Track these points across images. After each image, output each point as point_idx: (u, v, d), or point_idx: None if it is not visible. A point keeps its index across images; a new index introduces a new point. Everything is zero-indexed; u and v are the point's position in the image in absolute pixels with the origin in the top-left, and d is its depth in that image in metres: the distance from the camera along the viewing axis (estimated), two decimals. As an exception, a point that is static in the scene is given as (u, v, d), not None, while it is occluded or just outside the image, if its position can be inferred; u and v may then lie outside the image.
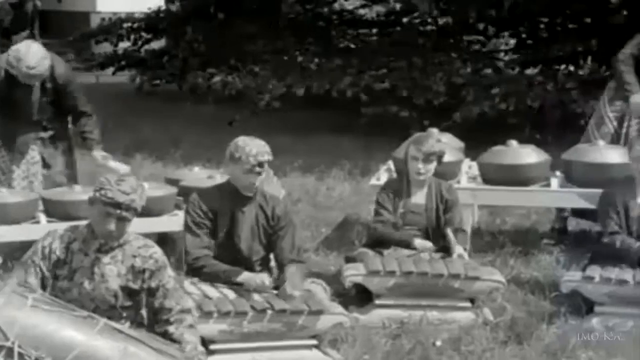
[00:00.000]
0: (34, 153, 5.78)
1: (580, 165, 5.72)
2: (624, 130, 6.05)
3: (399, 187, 5.25)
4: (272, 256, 4.73)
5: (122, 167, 5.76)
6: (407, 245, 5.06)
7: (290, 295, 4.35)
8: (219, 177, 5.37)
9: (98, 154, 5.82)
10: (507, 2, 9.60)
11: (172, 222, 5.41)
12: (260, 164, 4.48)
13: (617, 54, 6.13)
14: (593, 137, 6.08)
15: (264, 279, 4.47)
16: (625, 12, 9.89)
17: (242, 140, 4.55)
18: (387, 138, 8.29)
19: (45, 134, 5.80)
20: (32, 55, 5.42)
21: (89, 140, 5.82)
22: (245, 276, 4.49)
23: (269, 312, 4.26)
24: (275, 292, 4.48)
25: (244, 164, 4.47)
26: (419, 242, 5.05)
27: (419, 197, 5.20)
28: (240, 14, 11.82)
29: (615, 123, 6.13)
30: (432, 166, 5.17)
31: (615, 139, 5.99)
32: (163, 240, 5.26)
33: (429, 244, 5.07)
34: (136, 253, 3.82)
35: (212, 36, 12.32)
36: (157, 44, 13.88)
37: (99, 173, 5.73)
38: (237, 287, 4.50)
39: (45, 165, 5.81)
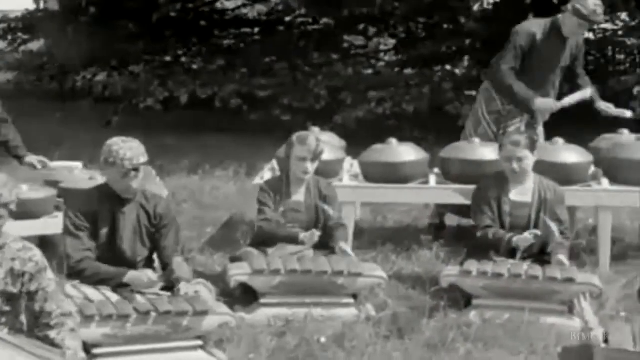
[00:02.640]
0: None
1: (456, 162, 5.88)
2: (501, 132, 6.23)
3: (279, 185, 5.29)
4: (155, 257, 4.71)
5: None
6: (294, 240, 5.10)
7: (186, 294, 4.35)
8: (100, 179, 5.30)
9: (32, 159, 5.72)
10: (379, 0, 9.82)
11: (52, 224, 5.30)
12: (136, 168, 4.44)
13: (499, 66, 6.17)
14: (470, 137, 6.24)
15: (150, 274, 4.42)
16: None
17: (116, 144, 4.47)
18: (271, 138, 8.33)
19: None
20: None
21: (14, 147, 5.74)
22: (131, 275, 4.43)
23: (153, 314, 4.23)
24: (162, 293, 4.46)
25: (119, 169, 4.43)
26: (304, 235, 5.10)
27: (299, 195, 5.26)
28: (120, 13, 11.65)
29: (493, 125, 6.32)
30: (316, 164, 5.25)
31: (493, 140, 6.14)
32: (43, 243, 5.15)
33: (315, 233, 5.08)
34: (15, 256, 3.73)
35: (92, 36, 12.11)
36: (36, 45, 13.54)
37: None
38: (120, 289, 4.45)
39: None
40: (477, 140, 5.99)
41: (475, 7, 9.13)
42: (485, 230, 5.12)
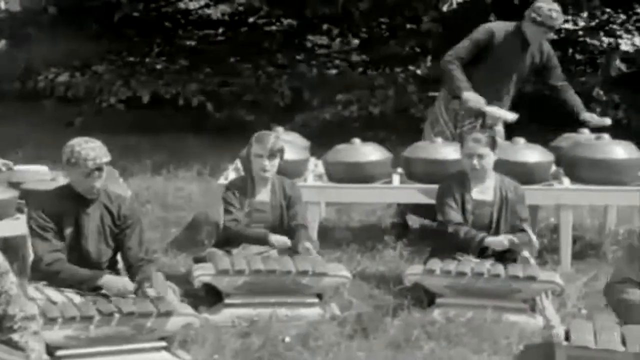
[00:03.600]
0: None
1: (419, 161, 5.92)
2: (458, 131, 6.26)
3: (244, 185, 5.29)
4: (119, 257, 4.69)
5: None
6: (263, 241, 5.10)
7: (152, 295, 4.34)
8: (63, 180, 5.26)
9: None
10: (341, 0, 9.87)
11: (14, 226, 5.25)
12: (99, 168, 4.43)
13: (445, 56, 6.25)
14: (429, 137, 6.28)
15: (126, 283, 4.39)
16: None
17: (78, 144, 4.45)
18: (235, 137, 8.32)
19: None
20: None
21: None
22: (106, 279, 4.40)
23: (117, 315, 4.21)
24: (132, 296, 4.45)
25: (82, 169, 4.41)
26: (275, 238, 5.10)
27: (263, 195, 5.26)
28: (82, 13, 11.57)
29: (450, 124, 6.35)
30: (276, 162, 5.25)
31: (450, 139, 6.19)
32: (4, 245, 5.10)
33: (286, 240, 5.10)
34: (-24, 259, 3.69)
35: (54, 37, 12.01)
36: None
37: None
38: (85, 291, 4.43)
39: None
40: (439, 139, 6.03)
41: (445, 8, 9.18)
42: (457, 227, 5.10)
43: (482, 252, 5.11)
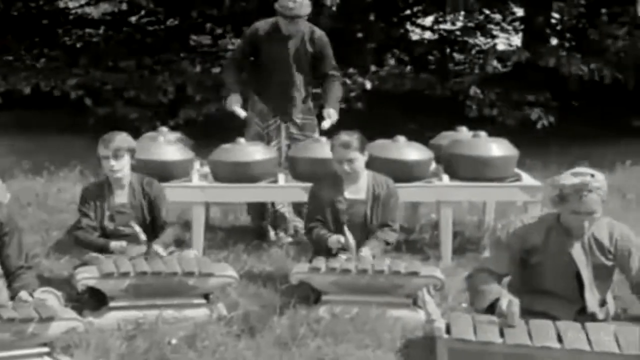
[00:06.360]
0: None
1: (303, 160, 5.98)
2: (265, 131, 6.35)
3: (100, 190, 5.23)
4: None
5: None
6: (105, 249, 5.06)
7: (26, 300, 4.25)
8: None
9: None
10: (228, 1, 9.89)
11: None
12: None
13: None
14: (248, 136, 6.32)
15: None
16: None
17: None
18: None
19: None
20: None
21: None
22: None
23: (-4, 322, 4.12)
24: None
25: None
26: (113, 244, 5.06)
27: (122, 197, 5.22)
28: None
29: (260, 124, 6.39)
30: (125, 162, 5.18)
31: (263, 139, 6.29)
32: None
33: (123, 244, 5.05)
34: None
35: None
36: None
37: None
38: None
39: None
40: (323, 139, 6.10)
41: (329, 2, 9.26)
42: (310, 232, 5.28)
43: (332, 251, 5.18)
